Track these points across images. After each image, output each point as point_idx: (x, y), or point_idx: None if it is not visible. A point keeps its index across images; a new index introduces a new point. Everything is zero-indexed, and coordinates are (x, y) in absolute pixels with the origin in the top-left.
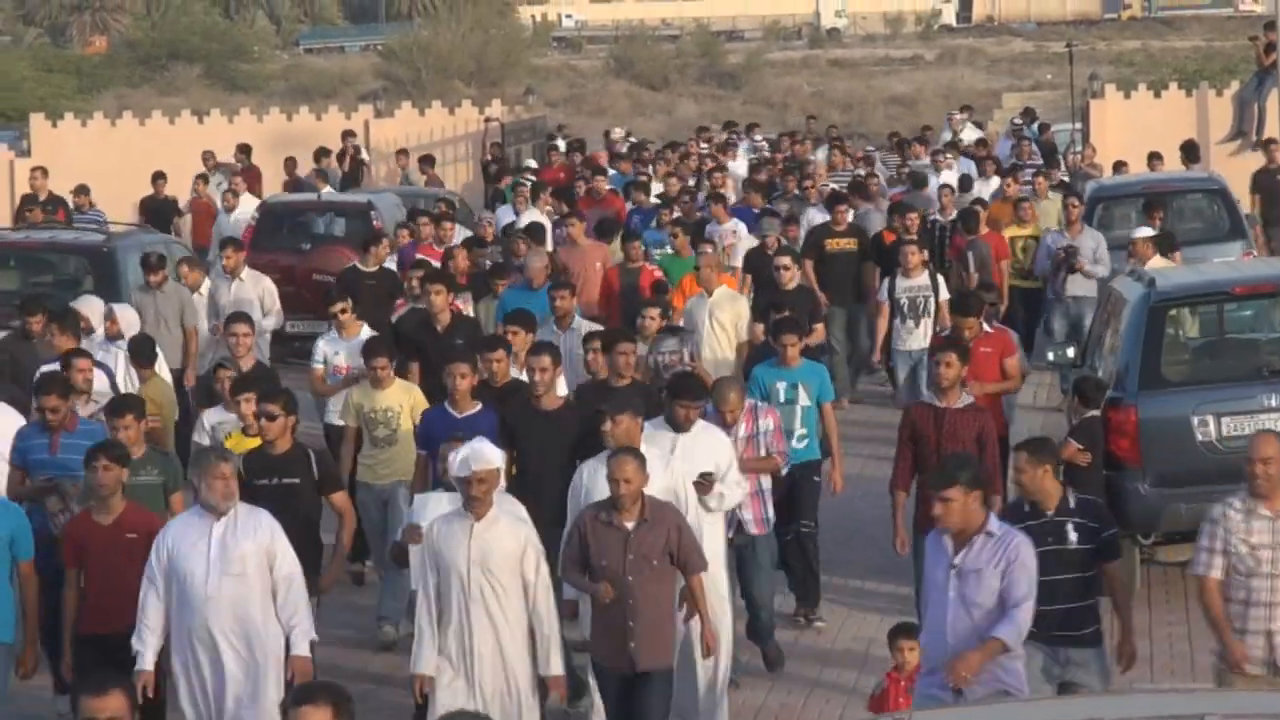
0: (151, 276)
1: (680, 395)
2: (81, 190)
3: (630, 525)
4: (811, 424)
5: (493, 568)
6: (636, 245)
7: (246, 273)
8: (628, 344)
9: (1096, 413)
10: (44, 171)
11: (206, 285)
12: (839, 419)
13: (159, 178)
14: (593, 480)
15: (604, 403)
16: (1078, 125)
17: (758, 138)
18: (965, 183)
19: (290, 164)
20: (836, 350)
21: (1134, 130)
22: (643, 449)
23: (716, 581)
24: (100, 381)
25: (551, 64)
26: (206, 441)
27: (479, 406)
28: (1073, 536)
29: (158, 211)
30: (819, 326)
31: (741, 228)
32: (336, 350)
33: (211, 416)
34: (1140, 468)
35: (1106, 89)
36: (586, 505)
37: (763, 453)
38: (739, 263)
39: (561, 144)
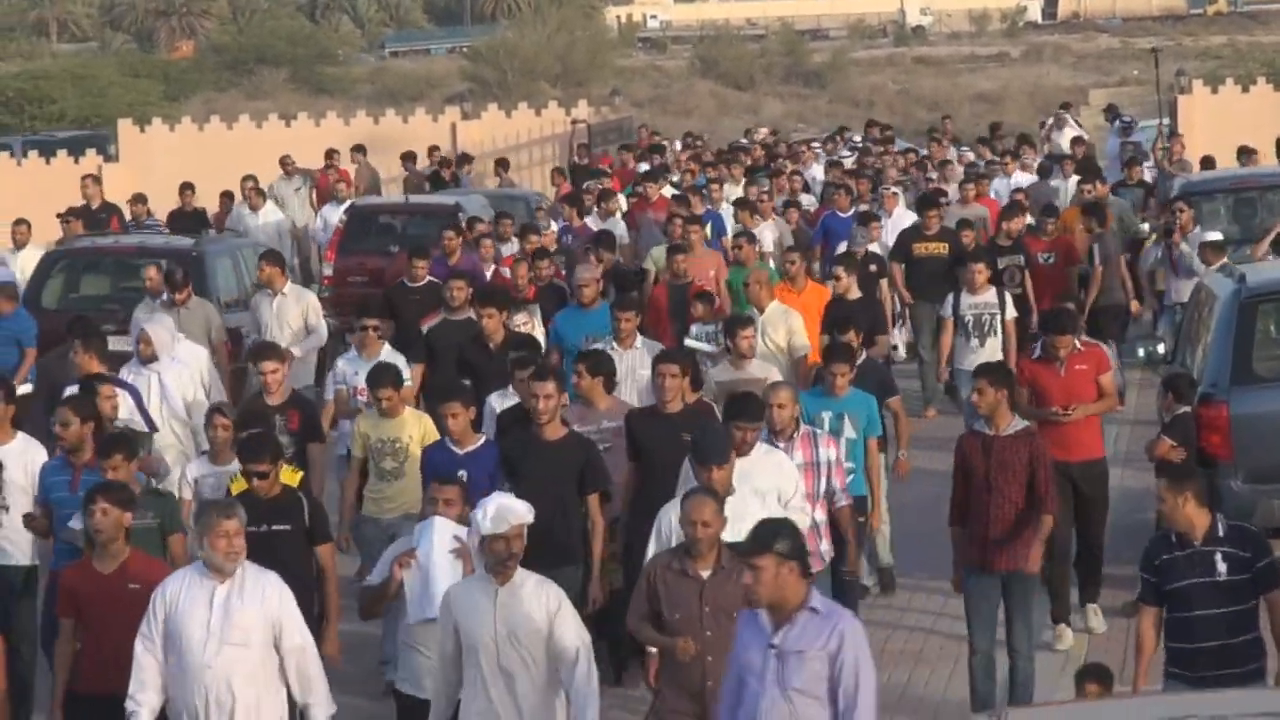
0: (175, 293)
1: (737, 416)
2: (139, 199)
3: (706, 574)
4: (859, 458)
5: (522, 638)
6: (681, 259)
7: (289, 287)
8: (667, 364)
9: (1189, 409)
10: (96, 179)
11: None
12: (923, 429)
13: (186, 189)
14: (672, 523)
15: (655, 431)
16: (1164, 121)
17: (856, 139)
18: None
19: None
20: (925, 359)
21: (1222, 125)
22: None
23: None
24: (126, 406)
25: (637, 65)
26: (188, 495)
27: (481, 440)
28: (1221, 567)
29: (185, 224)
30: (881, 338)
31: (766, 237)
32: (356, 370)
33: (195, 469)
34: (1233, 464)
35: (1194, 84)
36: (658, 552)
37: (823, 485)
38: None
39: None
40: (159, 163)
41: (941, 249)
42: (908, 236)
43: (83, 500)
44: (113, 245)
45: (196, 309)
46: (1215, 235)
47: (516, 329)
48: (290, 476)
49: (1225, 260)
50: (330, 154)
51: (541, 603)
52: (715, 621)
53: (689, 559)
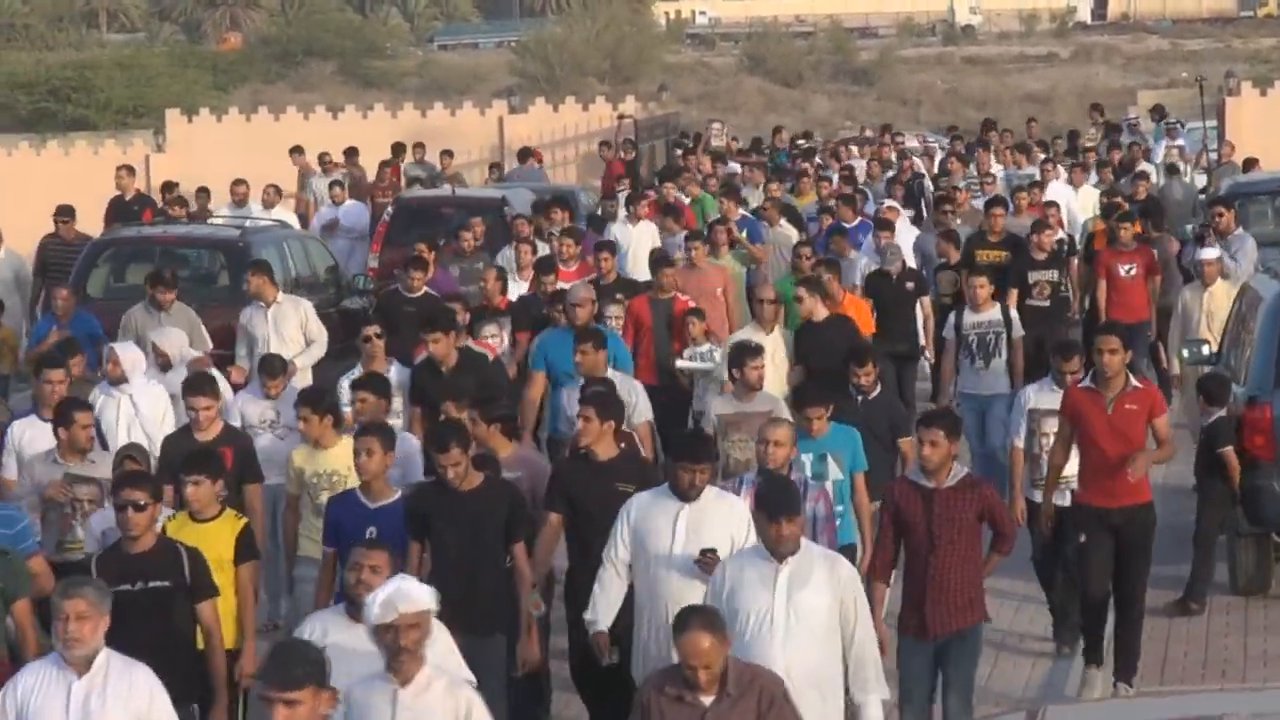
0: (160, 294)
1: (683, 456)
2: (170, 187)
3: (708, 701)
4: (846, 500)
5: None
6: (667, 273)
7: (283, 297)
8: (583, 406)
9: (1223, 412)
10: (130, 170)
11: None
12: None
13: (171, 187)
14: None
15: (586, 480)
16: (1211, 123)
17: (901, 138)
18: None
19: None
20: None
21: (1271, 128)
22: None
23: None
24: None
25: (685, 61)
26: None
27: (397, 495)
28: None
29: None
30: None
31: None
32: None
33: (100, 520)
34: (1275, 464)
35: (1242, 86)
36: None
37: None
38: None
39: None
40: (206, 153)
41: (1001, 257)
42: (973, 241)
43: None
44: (159, 235)
45: (179, 314)
46: (1212, 253)
47: (486, 340)
48: (233, 523)
49: (1222, 273)
50: (351, 152)
51: (450, 711)
52: None
53: (687, 687)
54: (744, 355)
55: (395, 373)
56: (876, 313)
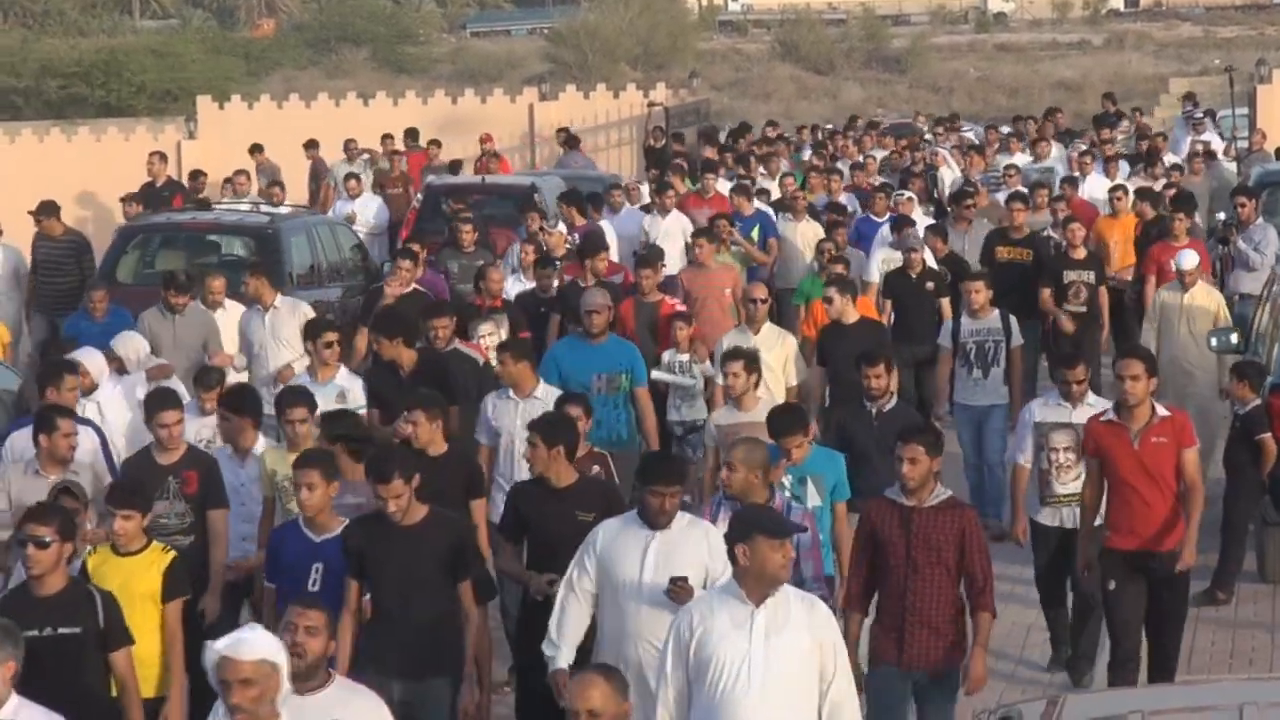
0: (174, 297)
1: (651, 479)
2: (197, 175)
3: None
4: (826, 528)
5: None
6: (650, 273)
7: (280, 300)
8: (530, 431)
9: (1259, 400)
10: (162, 157)
11: (222, 315)
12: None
13: (197, 175)
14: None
15: (542, 508)
16: (1241, 111)
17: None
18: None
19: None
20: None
21: None
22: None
23: None
24: (87, 448)
25: (717, 48)
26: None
27: (344, 525)
28: None
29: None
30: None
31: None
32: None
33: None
34: None
35: (1274, 74)
36: None
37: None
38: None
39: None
40: (238, 139)
41: (1025, 255)
42: (993, 239)
43: None
44: (188, 221)
45: (194, 317)
46: (1190, 261)
47: (481, 339)
48: (160, 557)
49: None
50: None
51: None
52: None
53: None
54: (723, 361)
55: (342, 378)
56: (895, 313)
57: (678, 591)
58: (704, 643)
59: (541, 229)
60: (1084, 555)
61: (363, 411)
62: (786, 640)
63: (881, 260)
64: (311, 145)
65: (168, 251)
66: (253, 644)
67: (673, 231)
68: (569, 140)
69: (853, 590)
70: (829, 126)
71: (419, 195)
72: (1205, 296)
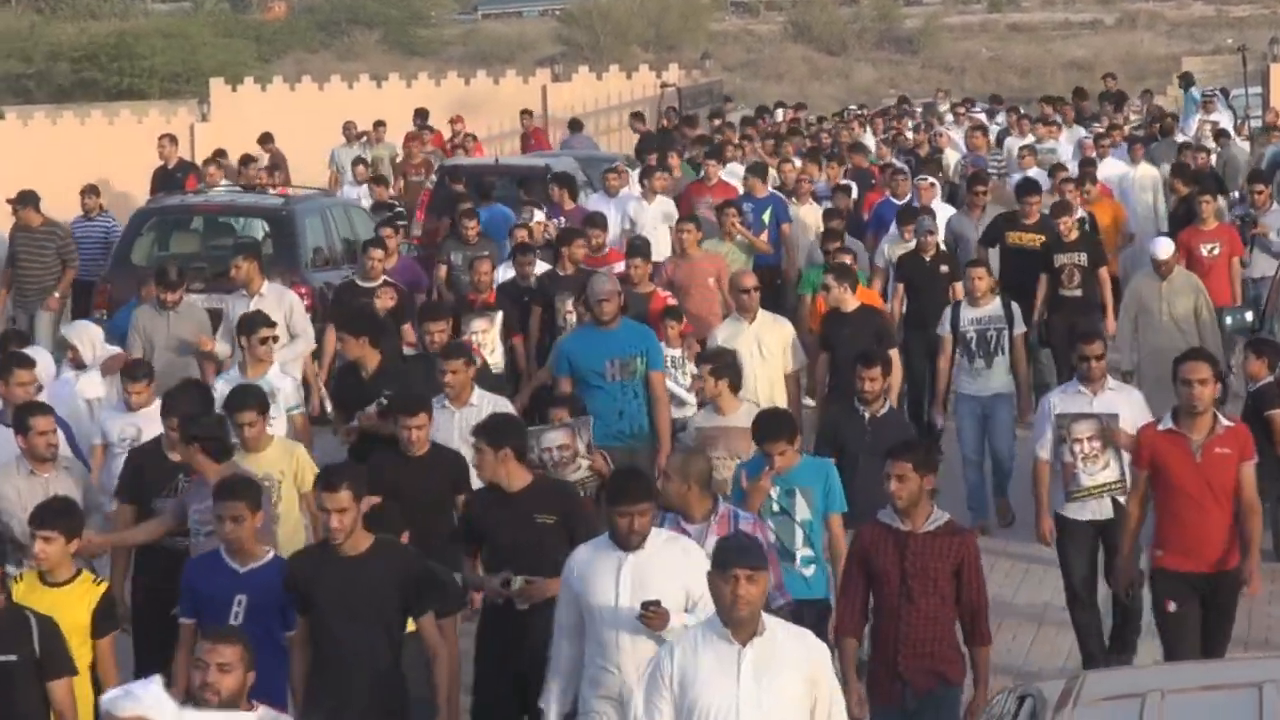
0: (167, 294)
1: (615, 499)
2: (221, 154)
3: None
4: (817, 544)
5: None
6: (641, 263)
7: (267, 287)
8: (475, 437)
9: (1271, 377)
10: (173, 139)
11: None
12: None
13: (221, 156)
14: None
15: (498, 515)
16: (1255, 89)
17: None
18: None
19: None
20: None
21: None
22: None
23: None
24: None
25: (729, 28)
26: None
27: (270, 555)
28: None
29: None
30: (893, 355)
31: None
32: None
33: None
34: None
35: None
36: None
37: None
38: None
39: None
40: (250, 122)
41: (1036, 241)
42: (1000, 223)
43: None
44: (203, 203)
45: (188, 313)
46: (1163, 250)
47: (472, 336)
48: (90, 590)
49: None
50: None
51: None
52: None
53: None
54: (699, 362)
55: (273, 376)
56: (908, 298)
57: (650, 616)
58: (687, 686)
59: (525, 217)
60: (1127, 574)
61: (296, 413)
62: (778, 682)
63: (888, 250)
64: (266, 139)
65: (182, 234)
66: (132, 701)
67: (657, 216)
68: (572, 123)
69: (843, 616)
70: (856, 107)
71: (433, 178)
72: (1184, 281)
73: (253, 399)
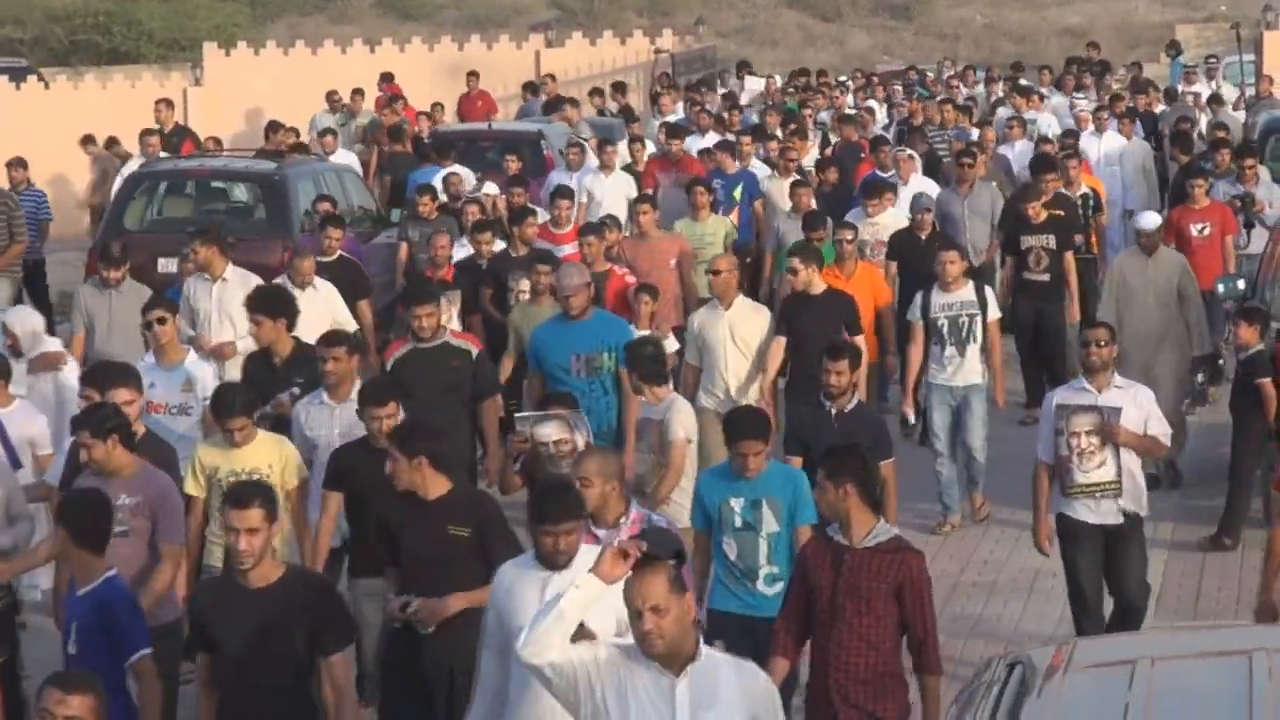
0: (110, 271)
1: (540, 518)
2: (277, 127)
3: None
4: (784, 559)
5: None
6: (595, 241)
7: (232, 273)
8: (391, 446)
9: (1262, 345)
10: (169, 104)
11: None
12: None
13: (277, 127)
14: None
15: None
16: (1248, 57)
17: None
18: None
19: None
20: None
21: None
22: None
23: None
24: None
25: None
26: None
27: (108, 573)
28: None
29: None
30: (860, 341)
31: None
32: (151, 381)
33: None
34: None
35: None
36: None
37: None
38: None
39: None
40: (244, 86)
41: (1056, 215)
42: (1013, 218)
43: None
44: (195, 167)
45: (132, 294)
46: (1150, 222)
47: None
48: None
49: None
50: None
51: None
52: None
53: None
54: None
55: (192, 365)
56: (901, 278)
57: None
58: (618, 716)
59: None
60: (1269, 610)
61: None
62: (717, 718)
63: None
64: (88, 140)
65: (174, 198)
66: None
67: (615, 191)
68: (528, 85)
69: (776, 634)
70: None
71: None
72: (1169, 260)
73: (238, 399)
